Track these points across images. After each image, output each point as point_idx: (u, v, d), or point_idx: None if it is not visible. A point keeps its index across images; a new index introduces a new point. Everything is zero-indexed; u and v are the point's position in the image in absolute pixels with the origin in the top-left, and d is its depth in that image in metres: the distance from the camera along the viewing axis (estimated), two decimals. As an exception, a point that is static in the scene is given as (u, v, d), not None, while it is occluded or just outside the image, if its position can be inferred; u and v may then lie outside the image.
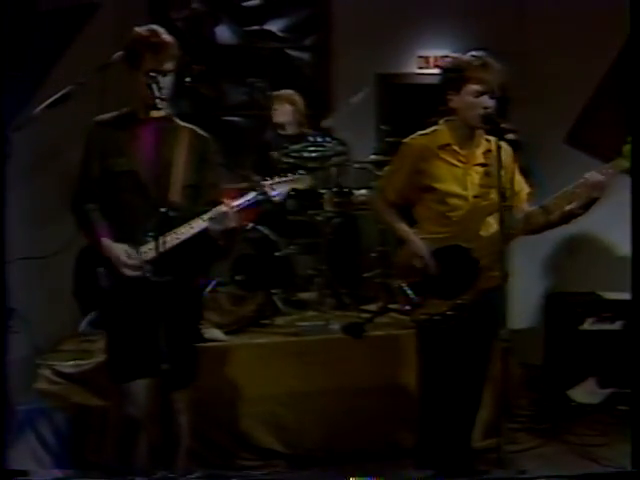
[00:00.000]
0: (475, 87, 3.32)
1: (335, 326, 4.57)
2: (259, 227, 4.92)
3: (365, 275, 5.23)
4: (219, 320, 4.60)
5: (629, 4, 3.39)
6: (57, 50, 5.18)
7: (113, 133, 3.29)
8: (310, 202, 4.99)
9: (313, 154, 4.88)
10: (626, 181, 3.39)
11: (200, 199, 3.33)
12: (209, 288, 4.83)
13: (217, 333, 4.48)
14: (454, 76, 3.38)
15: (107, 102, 3.45)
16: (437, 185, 3.38)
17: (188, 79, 5.05)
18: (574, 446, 4.47)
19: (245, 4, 6.47)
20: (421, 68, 6.44)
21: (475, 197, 3.39)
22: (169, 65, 3.20)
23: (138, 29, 3.26)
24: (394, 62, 6.39)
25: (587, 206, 3.27)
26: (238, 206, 3.24)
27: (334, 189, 5.08)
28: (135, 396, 3.27)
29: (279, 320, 4.88)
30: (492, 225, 3.34)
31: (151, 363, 3.10)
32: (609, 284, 5.40)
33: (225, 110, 6.42)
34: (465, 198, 3.39)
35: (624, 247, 3.48)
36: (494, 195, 3.29)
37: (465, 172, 3.40)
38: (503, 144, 3.27)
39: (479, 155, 3.44)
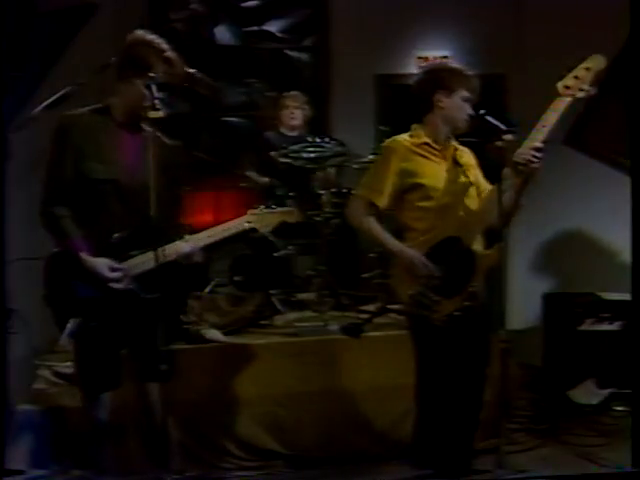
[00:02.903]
0: (466, 93, 3.45)
1: (334, 327, 4.57)
2: (258, 228, 4.92)
3: (364, 276, 5.24)
4: (218, 321, 4.60)
5: (629, 4, 3.40)
6: (57, 50, 5.18)
7: (89, 134, 3.18)
8: (309, 202, 4.99)
9: (312, 155, 4.88)
10: (626, 181, 3.39)
11: (170, 210, 3.29)
12: (208, 289, 4.85)
13: (216, 334, 4.48)
14: (449, 78, 3.46)
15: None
16: (421, 181, 3.43)
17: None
18: (573, 446, 4.47)
19: (244, 5, 6.48)
20: (420, 68, 6.44)
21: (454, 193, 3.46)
22: (175, 79, 3.18)
23: (145, 37, 3.20)
24: (393, 63, 6.39)
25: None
26: (204, 242, 3.22)
27: (333, 190, 5.08)
28: (103, 400, 3.27)
29: (278, 321, 4.88)
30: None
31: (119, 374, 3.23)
32: (608, 285, 5.41)
33: (224, 111, 6.43)
34: (446, 192, 3.45)
35: (623, 247, 3.49)
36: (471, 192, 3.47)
37: (442, 168, 3.49)
38: (462, 147, 3.55)
39: (449, 155, 3.53)
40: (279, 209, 3.28)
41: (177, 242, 3.19)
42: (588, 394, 5.10)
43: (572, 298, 5.47)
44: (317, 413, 4.34)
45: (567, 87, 3.33)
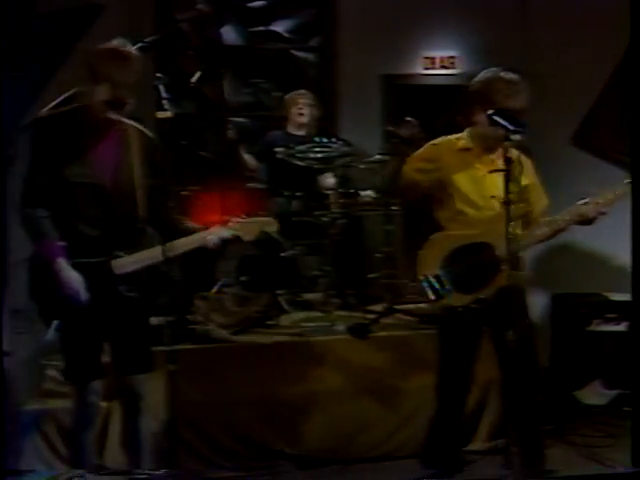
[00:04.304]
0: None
1: (340, 327, 4.57)
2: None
3: (370, 276, 5.23)
4: (224, 321, 4.60)
5: (629, 4, 3.39)
6: (63, 51, 5.18)
7: (67, 134, 3.16)
8: (316, 203, 4.99)
9: (319, 155, 4.88)
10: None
11: (157, 205, 3.29)
12: (215, 289, 4.84)
13: (222, 334, 4.48)
14: (482, 96, 3.43)
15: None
16: (457, 185, 3.49)
17: (194, 79, 5.06)
18: (580, 447, 4.46)
19: (250, 5, 6.48)
20: (427, 69, 6.44)
21: (492, 197, 3.48)
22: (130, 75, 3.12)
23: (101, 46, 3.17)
24: (399, 63, 6.39)
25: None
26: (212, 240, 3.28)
27: (339, 190, 5.08)
28: (93, 387, 3.32)
29: (284, 321, 4.88)
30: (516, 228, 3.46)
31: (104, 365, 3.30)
32: (615, 285, 5.39)
33: (230, 111, 6.43)
34: (484, 199, 3.51)
35: (629, 248, 3.48)
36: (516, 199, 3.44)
37: (484, 175, 3.50)
38: (521, 155, 3.47)
39: (499, 162, 3.48)
40: (260, 219, 3.40)
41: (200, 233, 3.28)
42: (595, 395, 5.09)
43: (578, 299, 5.46)
44: (323, 413, 4.33)
45: None
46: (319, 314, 4.82)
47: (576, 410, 5.00)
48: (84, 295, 3.14)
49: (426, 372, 4.38)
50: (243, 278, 5.08)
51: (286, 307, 5.01)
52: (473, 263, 3.43)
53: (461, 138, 3.60)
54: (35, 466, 3.82)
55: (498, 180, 3.43)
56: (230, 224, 3.32)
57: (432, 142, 3.67)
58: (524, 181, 3.50)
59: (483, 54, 6.22)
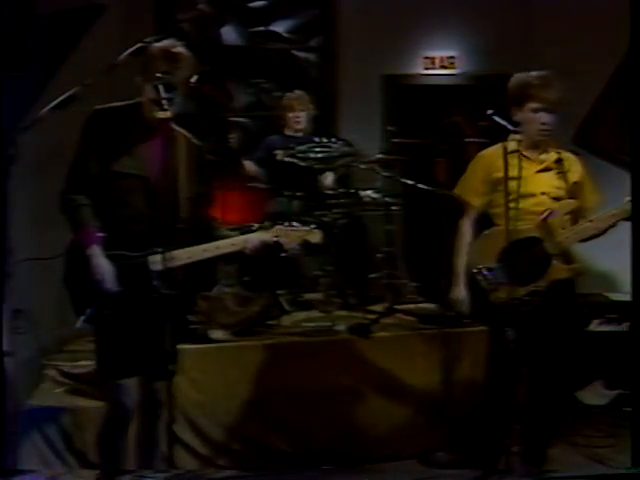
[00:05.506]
0: (535, 105, 3.55)
1: (341, 327, 4.57)
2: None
3: (371, 276, 5.23)
4: (225, 321, 4.60)
5: (629, 4, 3.40)
6: (64, 51, 5.18)
7: (118, 129, 3.20)
8: (316, 203, 4.99)
9: (319, 155, 4.88)
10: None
11: (198, 209, 3.30)
12: (215, 288, 4.84)
13: (223, 334, 4.48)
14: (518, 93, 3.59)
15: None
16: (509, 185, 3.48)
17: (193, 79, 5.05)
18: (581, 447, 4.46)
19: (251, 5, 6.49)
20: (427, 69, 6.45)
21: (542, 194, 3.62)
22: (181, 75, 3.15)
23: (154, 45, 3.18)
24: (400, 63, 6.40)
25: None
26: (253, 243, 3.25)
27: (340, 190, 5.08)
28: (127, 387, 3.27)
29: (285, 321, 4.88)
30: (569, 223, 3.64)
31: (138, 362, 3.22)
32: (615, 285, 5.39)
33: (231, 111, 6.44)
34: (534, 196, 3.61)
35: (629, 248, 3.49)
36: (565, 196, 3.66)
37: (533, 173, 3.61)
38: (571, 155, 3.71)
39: (548, 161, 3.67)
40: (304, 228, 3.34)
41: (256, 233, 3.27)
42: (596, 395, 5.09)
43: (579, 299, 5.45)
44: (324, 413, 4.33)
45: None
46: (320, 314, 4.82)
47: (577, 410, 4.99)
48: (113, 283, 3.13)
49: (427, 372, 4.40)
50: (244, 278, 5.08)
51: (287, 307, 5.01)
52: (525, 256, 3.53)
53: (507, 143, 3.51)
54: (35, 466, 3.83)
55: (547, 177, 3.66)
56: (274, 230, 3.28)
57: (479, 155, 3.76)
58: (573, 178, 3.68)
59: (483, 54, 6.23)
